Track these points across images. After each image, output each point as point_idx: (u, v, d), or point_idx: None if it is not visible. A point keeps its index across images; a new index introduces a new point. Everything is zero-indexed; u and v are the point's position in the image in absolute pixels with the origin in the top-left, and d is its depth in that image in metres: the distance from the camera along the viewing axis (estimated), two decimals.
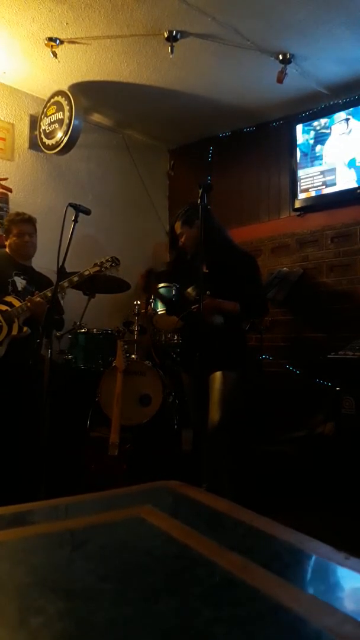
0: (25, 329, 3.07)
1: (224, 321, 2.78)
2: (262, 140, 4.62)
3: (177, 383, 3.39)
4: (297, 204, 4.30)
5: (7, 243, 3.35)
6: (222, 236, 2.94)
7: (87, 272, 3.07)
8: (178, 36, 3.35)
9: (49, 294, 2.93)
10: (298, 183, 4.26)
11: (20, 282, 3.26)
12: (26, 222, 3.31)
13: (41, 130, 4.11)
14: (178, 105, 4.31)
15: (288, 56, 3.54)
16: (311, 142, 4.21)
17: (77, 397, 3.45)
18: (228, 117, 4.51)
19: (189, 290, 2.88)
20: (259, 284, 3.01)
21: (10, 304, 3.09)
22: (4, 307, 3.09)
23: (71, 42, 3.48)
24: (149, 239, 5.00)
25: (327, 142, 4.12)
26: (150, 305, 3.65)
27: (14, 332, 3.06)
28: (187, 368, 3.03)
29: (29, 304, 3.03)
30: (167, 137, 5.07)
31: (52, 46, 3.46)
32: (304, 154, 4.25)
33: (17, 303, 3.09)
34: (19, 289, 3.23)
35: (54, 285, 2.72)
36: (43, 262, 3.41)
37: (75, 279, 3.06)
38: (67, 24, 3.30)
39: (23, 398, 3.05)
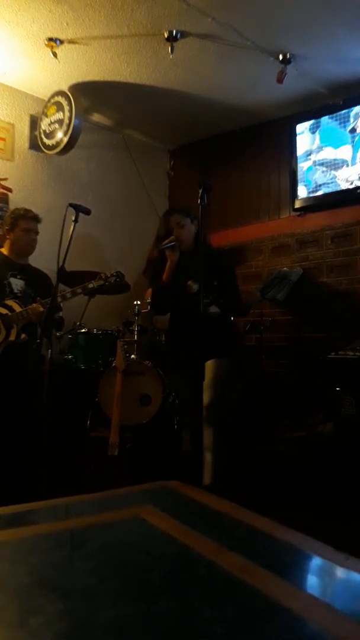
0: (23, 336, 3.06)
1: (220, 311, 2.95)
2: (262, 140, 4.62)
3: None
4: (297, 204, 4.30)
5: (9, 237, 3.33)
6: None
7: (91, 285, 3.04)
8: (178, 36, 3.35)
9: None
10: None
11: (16, 284, 3.25)
12: (34, 220, 3.33)
13: (41, 130, 4.10)
14: (178, 105, 4.31)
15: (288, 56, 3.54)
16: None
17: (77, 397, 3.45)
18: (228, 117, 4.51)
19: (190, 282, 2.98)
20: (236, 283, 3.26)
21: (10, 308, 3.07)
22: (4, 311, 3.08)
23: (71, 42, 3.48)
24: (149, 239, 4.99)
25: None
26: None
27: (12, 337, 3.05)
28: (177, 367, 3.08)
29: (33, 316, 3.02)
30: (167, 137, 5.07)
31: (52, 46, 3.46)
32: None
33: (17, 308, 3.07)
34: (16, 290, 3.22)
35: (54, 287, 2.72)
36: (43, 262, 3.41)
37: (79, 290, 3.04)
38: (67, 24, 3.30)
39: (23, 398, 3.04)
